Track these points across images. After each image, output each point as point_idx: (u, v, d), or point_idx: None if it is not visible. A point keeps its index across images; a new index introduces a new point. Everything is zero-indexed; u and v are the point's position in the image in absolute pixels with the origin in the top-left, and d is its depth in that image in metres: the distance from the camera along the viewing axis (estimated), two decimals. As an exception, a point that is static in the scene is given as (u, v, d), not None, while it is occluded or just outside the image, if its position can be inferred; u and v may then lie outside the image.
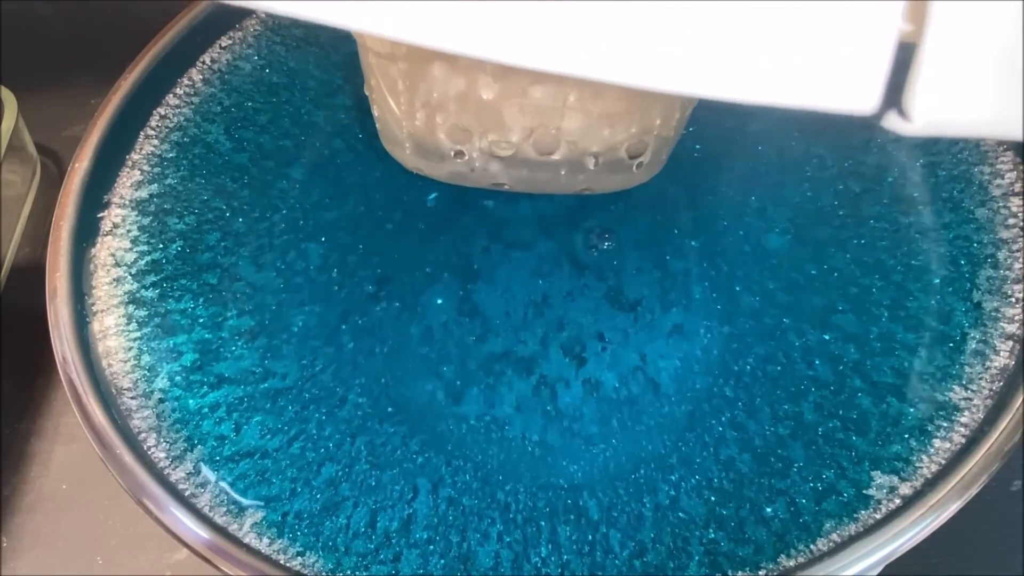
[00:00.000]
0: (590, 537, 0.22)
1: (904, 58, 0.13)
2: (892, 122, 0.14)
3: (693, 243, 0.27)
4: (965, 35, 0.13)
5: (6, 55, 0.34)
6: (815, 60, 0.13)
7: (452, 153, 0.25)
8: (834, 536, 0.21)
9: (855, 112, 0.14)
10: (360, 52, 0.24)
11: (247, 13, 0.30)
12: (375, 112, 0.27)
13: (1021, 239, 0.25)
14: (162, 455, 0.23)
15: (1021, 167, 0.26)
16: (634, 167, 0.26)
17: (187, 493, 0.22)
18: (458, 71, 0.22)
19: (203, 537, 0.21)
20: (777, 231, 0.27)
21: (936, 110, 0.13)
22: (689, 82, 0.14)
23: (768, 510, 0.22)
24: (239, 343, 0.25)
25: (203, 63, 0.29)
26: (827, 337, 0.25)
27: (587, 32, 0.13)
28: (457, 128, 0.24)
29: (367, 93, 0.26)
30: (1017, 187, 0.26)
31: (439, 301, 0.26)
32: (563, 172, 0.25)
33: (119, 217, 0.26)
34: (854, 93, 0.13)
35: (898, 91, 0.14)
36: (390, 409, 0.24)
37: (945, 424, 0.22)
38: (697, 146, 0.29)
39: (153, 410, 0.23)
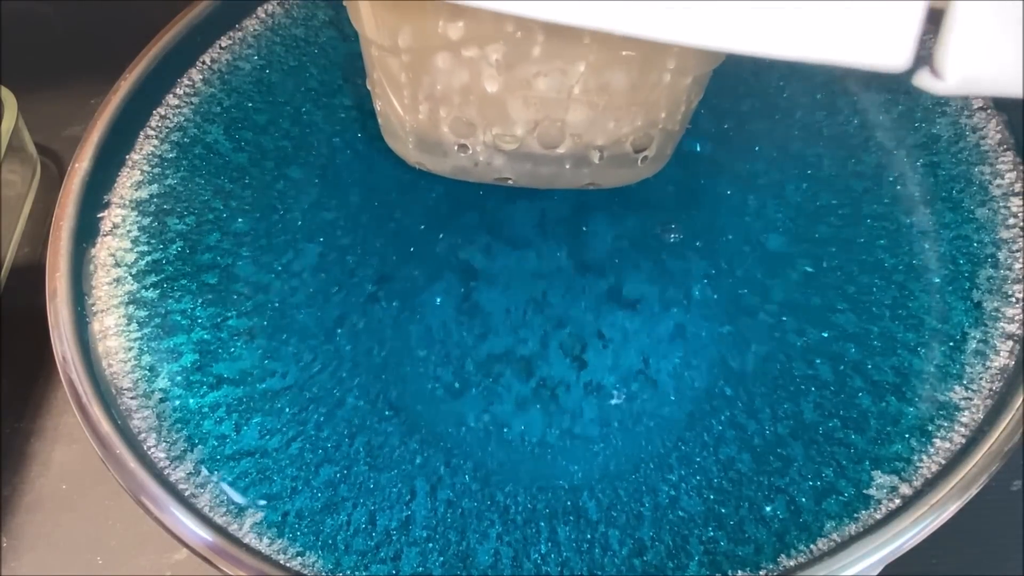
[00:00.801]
0: (589, 536, 0.22)
1: (935, 18, 0.13)
2: (924, 81, 0.14)
3: (693, 242, 0.27)
4: None
5: (6, 55, 0.34)
6: (849, 16, 0.13)
7: (456, 147, 0.25)
8: (834, 536, 0.21)
9: (888, 68, 0.14)
10: (362, 45, 0.24)
11: (247, 13, 0.30)
12: (377, 107, 0.27)
13: (1021, 239, 0.25)
14: (162, 455, 0.23)
15: (1021, 167, 0.26)
16: (639, 161, 0.26)
17: (187, 493, 0.22)
18: (462, 63, 0.22)
19: (203, 537, 0.21)
20: (777, 230, 0.27)
21: (969, 68, 0.13)
22: (729, 38, 0.14)
23: (768, 509, 0.22)
24: (239, 343, 0.25)
25: (203, 63, 0.29)
26: (827, 336, 0.25)
27: None
28: (461, 121, 0.24)
29: (369, 87, 0.26)
30: (1017, 187, 0.26)
31: (438, 300, 0.26)
32: (568, 166, 0.25)
33: (119, 217, 0.26)
34: (887, 49, 0.14)
35: (929, 50, 0.14)
36: (388, 411, 0.24)
37: (945, 424, 0.22)
38: (697, 146, 0.29)
39: (153, 410, 0.23)
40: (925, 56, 0.14)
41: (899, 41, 0.13)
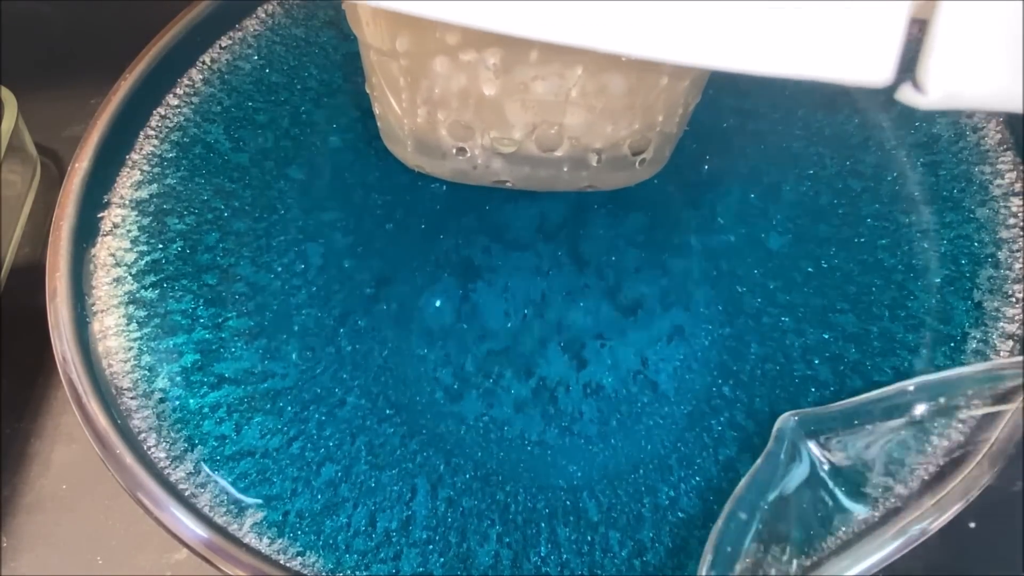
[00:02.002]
0: (590, 537, 0.22)
1: (917, 32, 0.13)
2: (907, 95, 0.14)
3: (693, 242, 0.27)
4: (977, 8, 0.13)
5: (6, 55, 0.34)
6: (831, 33, 0.14)
7: (454, 150, 0.25)
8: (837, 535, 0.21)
9: (870, 84, 0.14)
10: (361, 50, 0.24)
11: (247, 13, 0.30)
12: (376, 110, 0.27)
13: (1021, 239, 0.25)
14: (162, 455, 0.23)
15: (1021, 167, 0.26)
16: (637, 163, 0.26)
17: (187, 493, 0.22)
18: (459, 67, 0.22)
19: (203, 537, 0.21)
20: (777, 230, 0.27)
21: (950, 83, 0.14)
22: (713, 55, 0.14)
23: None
24: (239, 343, 0.25)
25: (203, 63, 0.29)
26: (827, 337, 0.25)
27: (623, 9, 0.14)
28: (459, 125, 0.24)
29: (368, 91, 0.26)
30: (1017, 187, 0.26)
31: (438, 301, 0.26)
32: (566, 169, 0.25)
33: (119, 217, 0.26)
34: (869, 65, 0.14)
35: (912, 65, 0.14)
36: (389, 411, 0.24)
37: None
38: (696, 146, 0.29)
39: (153, 410, 0.23)
40: (908, 70, 0.14)
41: (881, 57, 0.13)
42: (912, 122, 0.28)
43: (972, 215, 0.26)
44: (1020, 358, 0.21)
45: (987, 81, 0.13)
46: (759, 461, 0.21)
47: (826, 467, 0.21)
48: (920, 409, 0.21)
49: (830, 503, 0.20)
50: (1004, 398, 0.22)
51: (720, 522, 0.20)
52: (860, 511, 0.20)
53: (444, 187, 0.28)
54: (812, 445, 0.21)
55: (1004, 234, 0.25)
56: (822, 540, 0.20)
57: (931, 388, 0.21)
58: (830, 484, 0.20)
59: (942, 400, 0.21)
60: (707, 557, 0.19)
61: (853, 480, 0.21)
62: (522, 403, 0.24)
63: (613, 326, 0.26)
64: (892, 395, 0.21)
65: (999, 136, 0.26)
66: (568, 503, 0.23)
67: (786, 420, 0.22)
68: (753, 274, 0.26)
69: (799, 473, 0.21)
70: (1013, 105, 0.14)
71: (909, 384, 0.21)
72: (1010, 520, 0.25)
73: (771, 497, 0.20)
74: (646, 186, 0.27)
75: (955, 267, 0.25)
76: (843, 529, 0.21)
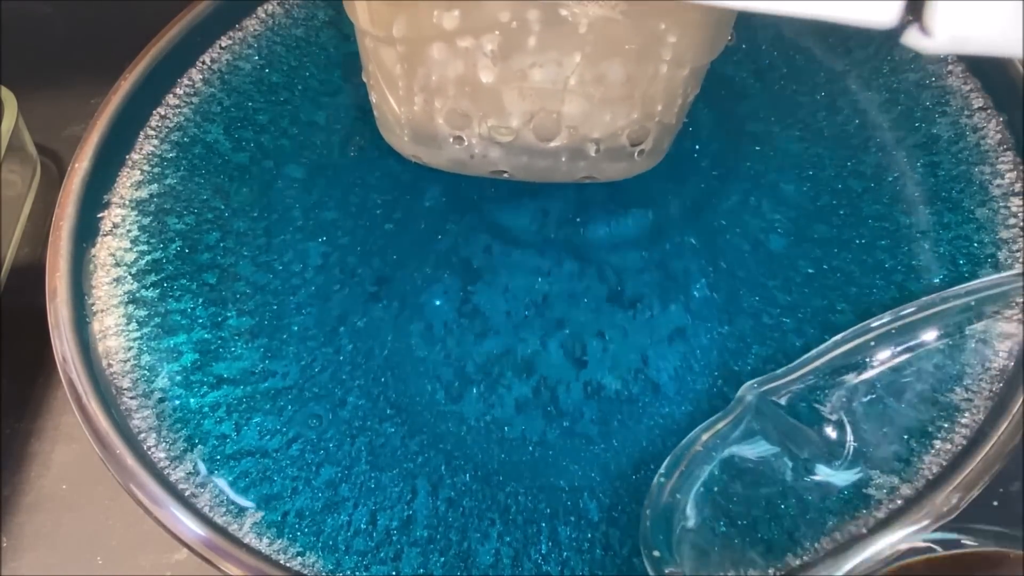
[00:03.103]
0: (590, 536, 0.22)
1: None
2: (913, 39, 0.14)
3: (693, 242, 0.27)
4: None
5: (6, 55, 0.34)
6: None
7: (451, 139, 0.25)
8: (836, 535, 0.21)
9: (875, 25, 0.14)
10: (358, 36, 0.24)
11: (247, 13, 0.30)
12: (372, 99, 0.26)
13: (1021, 239, 0.25)
14: (162, 455, 0.23)
15: (1021, 167, 0.26)
16: (635, 154, 0.26)
17: (187, 493, 0.22)
18: (457, 54, 0.22)
19: (203, 537, 0.21)
20: (777, 231, 0.27)
21: (958, 25, 0.13)
22: None
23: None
24: (239, 343, 0.25)
25: (203, 63, 0.29)
26: (827, 338, 0.25)
27: None
28: (456, 113, 0.24)
29: (364, 79, 0.26)
30: (1017, 187, 0.26)
31: (438, 301, 0.26)
32: (564, 159, 0.25)
33: (119, 217, 0.26)
34: (874, 6, 0.13)
35: (919, 9, 0.13)
36: (389, 411, 0.24)
37: (946, 425, 0.22)
38: (697, 146, 0.29)
39: (153, 410, 0.23)
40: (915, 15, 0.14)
41: None
42: (912, 123, 0.28)
43: (972, 215, 0.26)
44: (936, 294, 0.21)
45: (996, 25, 0.13)
46: (718, 415, 0.22)
47: (789, 436, 0.21)
48: (883, 355, 0.21)
49: (794, 471, 0.21)
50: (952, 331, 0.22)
51: (677, 449, 0.21)
52: (833, 476, 0.20)
53: (444, 186, 0.28)
54: (774, 413, 0.21)
55: (1004, 234, 0.25)
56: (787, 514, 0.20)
57: (894, 329, 0.21)
58: (794, 452, 0.21)
59: (909, 342, 0.21)
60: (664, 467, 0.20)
61: (820, 446, 0.21)
62: (523, 403, 0.24)
63: (614, 326, 0.26)
64: (849, 346, 0.21)
65: (999, 136, 0.26)
66: (569, 503, 0.23)
67: (748, 388, 0.22)
68: (753, 274, 0.26)
69: (762, 447, 0.21)
70: (1020, 50, 0.14)
71: (871, 322, 0.21)
72: (1010, 520, 0.25)
73: (726, 452, 0.20)
74: (647, 186, 0.27)
75: (955, 268, 0.25)
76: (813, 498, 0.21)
